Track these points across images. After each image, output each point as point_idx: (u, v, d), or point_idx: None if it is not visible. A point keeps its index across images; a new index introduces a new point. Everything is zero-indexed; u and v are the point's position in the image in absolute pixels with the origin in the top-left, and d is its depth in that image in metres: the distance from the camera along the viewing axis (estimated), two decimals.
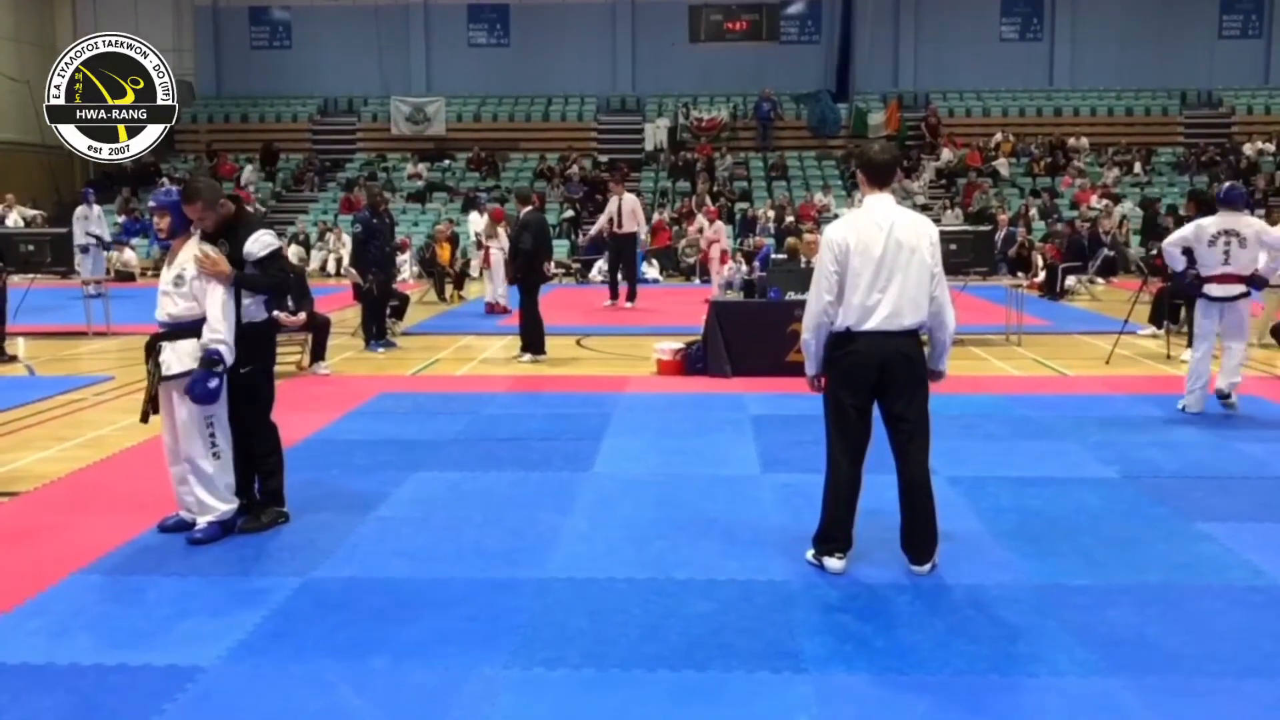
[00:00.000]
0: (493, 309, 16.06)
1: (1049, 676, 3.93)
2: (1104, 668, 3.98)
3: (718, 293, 10.97)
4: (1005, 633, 4.31)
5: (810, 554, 5.05)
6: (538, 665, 4.03)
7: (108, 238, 19.77)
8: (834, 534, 4.95)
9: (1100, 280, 20.07)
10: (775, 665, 4.02)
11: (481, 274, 18.10)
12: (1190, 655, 4.09)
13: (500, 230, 15.92)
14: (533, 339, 11.40)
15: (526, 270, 11.32)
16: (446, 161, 29.23)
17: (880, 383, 4.83)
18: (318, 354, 10.62)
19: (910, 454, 4.88)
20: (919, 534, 4.96)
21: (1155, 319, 12.75)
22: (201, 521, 5.44)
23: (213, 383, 5.24)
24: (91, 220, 18.34)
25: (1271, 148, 28.05)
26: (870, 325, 4.77)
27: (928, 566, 4.96)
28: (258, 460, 5.69)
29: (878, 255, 4.75)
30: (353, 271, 12.79)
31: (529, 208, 11.95)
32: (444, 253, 18.82)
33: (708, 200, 25.67)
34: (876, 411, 4.92)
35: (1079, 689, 3.83)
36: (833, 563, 4.95)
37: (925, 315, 4.84)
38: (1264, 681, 3.87)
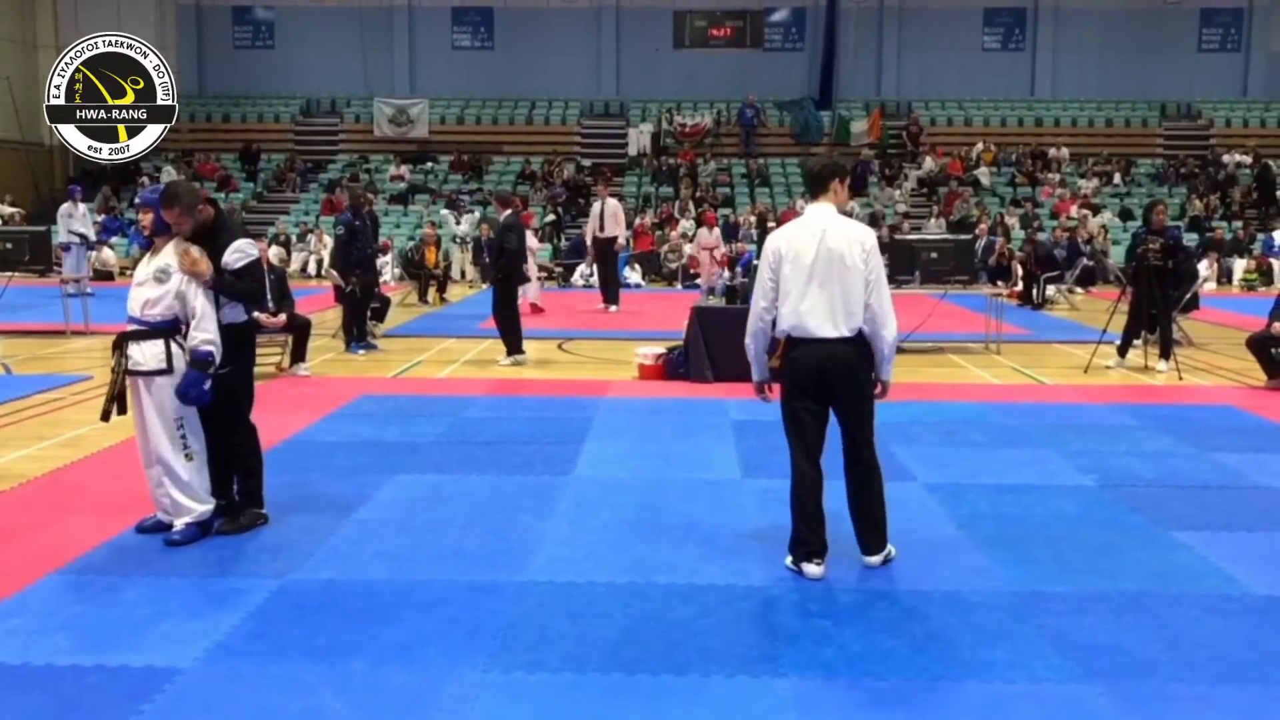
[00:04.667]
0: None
1: (1025, 683, 3.95)
2: (1080, 674, 4.01)
3: (701, 298, 10.98)
4: (982, 639, 4.34)
5: (788, 561, 5.07)
6: (517, 668, 4.03)
7: (93, 236, 19.59)
8: (807, 538, 4.98)
9: (1079, 290, 20.20)
10: (755, 669, 4.03)
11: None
12: (1165, 662, 4.13)
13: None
14: (512, 340, 11.41)
15: (509, 272, 11.35)
16: (429, 164, 29.18)
17: (824, 387, 4.91)
18: (298, 355, 10.58)
19: (855, 437, 4.97)
20: (868, 517, 5.00)
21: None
22: (179, 523, 5.40)
23: (206, 384, 5.23)
24: (76, 218, 18.14)
25: (1249, 160, 28.32)
26: (804, 332, 4.85)
27: (879, 558, 4.99)
28: (236, 461, 5.65)
29: (808, 263, 4.84)
30: (334, 273, 12.76)
31: (509, 210, 11.97)
32: (431, 255, 18.87)
33: (691, 205, 25.73)
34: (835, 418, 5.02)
35: (1055, 695, 3.86)
36: (811, 568, 4.97)
37: (860, 322, 4.87)
38: (1237, 689, 3.91)
